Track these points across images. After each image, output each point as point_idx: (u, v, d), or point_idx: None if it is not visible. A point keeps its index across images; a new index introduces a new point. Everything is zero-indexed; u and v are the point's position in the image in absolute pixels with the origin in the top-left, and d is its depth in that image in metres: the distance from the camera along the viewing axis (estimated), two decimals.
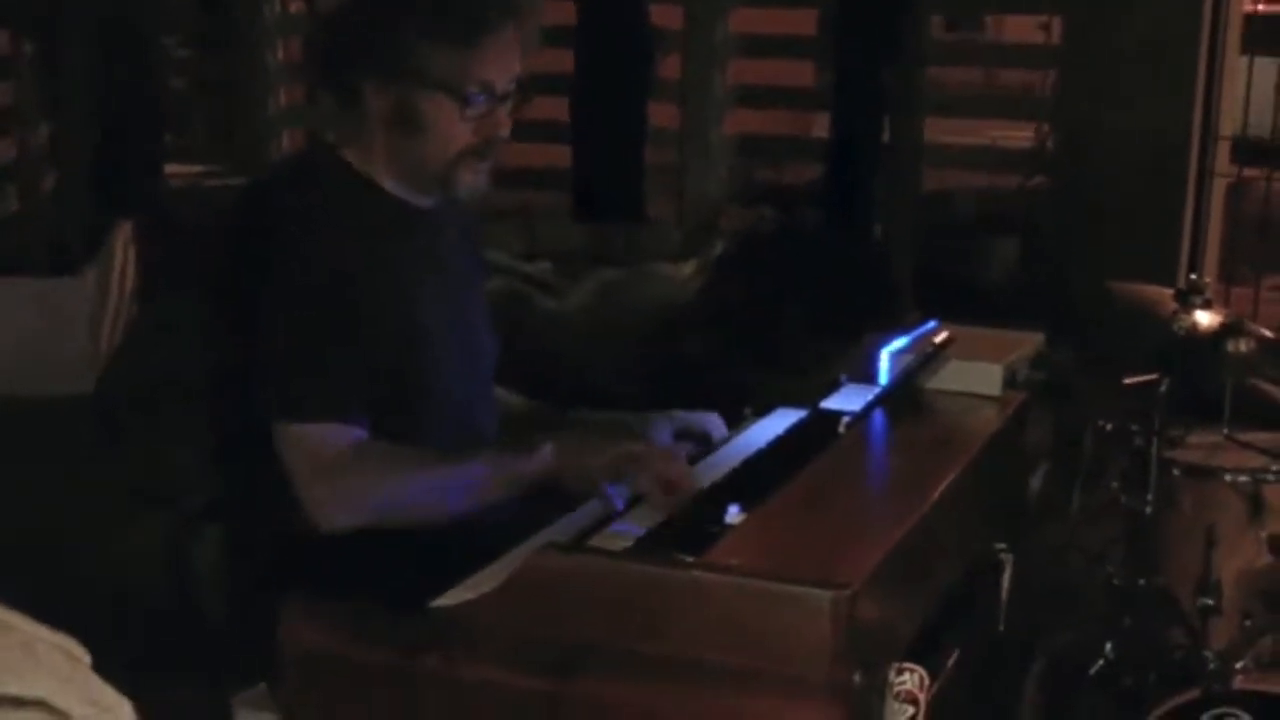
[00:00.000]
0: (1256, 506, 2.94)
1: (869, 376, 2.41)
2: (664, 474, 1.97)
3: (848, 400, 2.37)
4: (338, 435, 1.97)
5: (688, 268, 6.15)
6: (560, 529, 2.00)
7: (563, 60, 6.46)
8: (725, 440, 2.31)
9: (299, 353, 1.98)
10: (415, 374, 2.10)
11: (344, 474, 1.96)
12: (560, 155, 6.67)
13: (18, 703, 0.92)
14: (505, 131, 2.10)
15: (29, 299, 5.27)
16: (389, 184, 2.13)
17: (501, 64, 2.07)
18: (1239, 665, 2.82)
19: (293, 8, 8.01)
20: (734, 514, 1.86)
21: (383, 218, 2.11)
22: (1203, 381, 3.07)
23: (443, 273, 2.19)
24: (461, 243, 2.29)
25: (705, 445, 2.29)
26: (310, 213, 2.04)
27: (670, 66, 6.70)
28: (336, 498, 1.96)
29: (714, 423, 2.31)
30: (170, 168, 7.36)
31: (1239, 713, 2.64)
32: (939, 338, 2.42)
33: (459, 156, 2.08)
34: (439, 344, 2.14)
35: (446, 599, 1.83)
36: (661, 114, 6.69)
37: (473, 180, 2.11)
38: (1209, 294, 3.06)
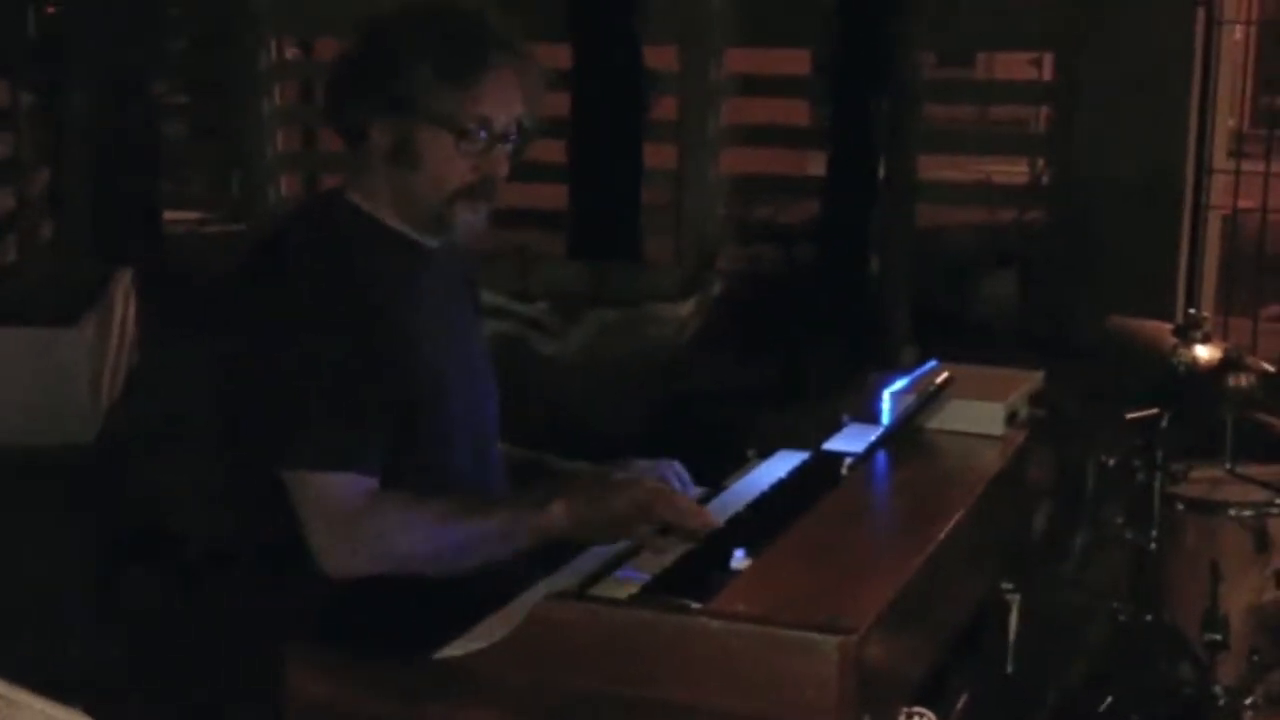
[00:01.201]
0: (1261, 541, 2.94)
1: (871, 417, 2.41)
2: (671, 517, 1.96)
3: (850, 441, 2.36)
4: (352, 485, 1.97)
5: (686, 307, 6.16)
6: (564, 576, 1.99)
7: (559, 102, 6.48)
8: (730, 483, 2.31)
9: (315, 400, 1.98)
10: (428, 416, 2.10)
11: (357, 525, 1.96)
12: (557, 196, 6.70)
13: None
14: (503, 171, 2.12)
15: (28, 349, 5.27)
16: (395, 224, 2.14)
17: (500, 102, 2.08)
18: (1248, 701, 2.82)
19: (289, 54, 8.06)
20: (739, 559, 1.86)
21: (392, 259, 2.12)
22: (1204, 416, 3.07)
23: (450, 313, 2.21)
24: (464, 287, 2.30)
25: None
26: (323, 258, 2.05)
27: (666, 107, 6.73)
28: (348, 549, 1.96)
29: (673, 470, 2.29)
30: (168, 214, 7.39)
31: None
32: (940, 378, 2.41)
33: (455, 194, 2.09)
34: (450, 385, 2.14)
35: (452, 649, 1.82)
36: (658, 154, 6.72)
37: (470, 220, 2.12)
38: (1208, 328, 3.07)
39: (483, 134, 2.08)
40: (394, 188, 2.11)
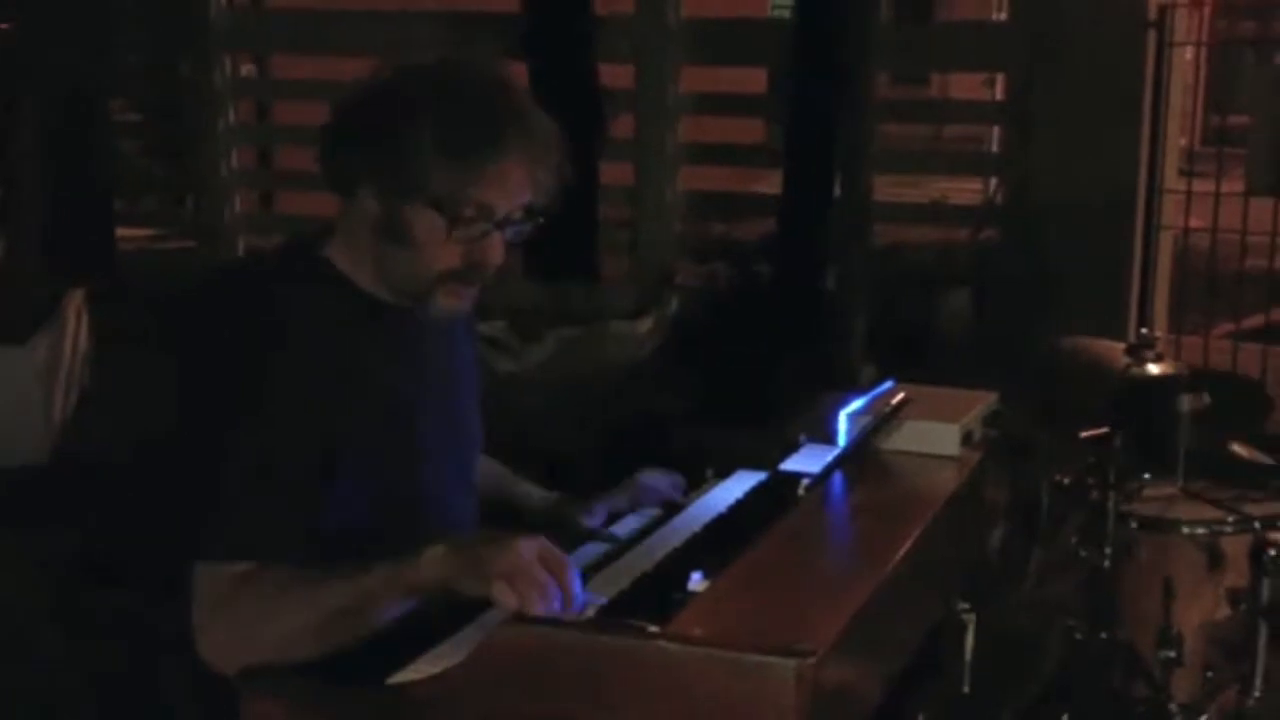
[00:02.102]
0: (1214, 558, 2.97)
1: (828, 437, 2.42)
2: (539, 578, 1.80)
3: (807, 461, 2.38)
4: (225, 571, 1.88)
5: (644, 325, 6.16)
6: None
7: None
8: (686, 503, 2.32)
9: (220, 493, 1.90)
10: (408, 478, 2.05)
11: (219, 611, 1.87)
12: None
13: None
14: (496, 259, 1.99)
15: None
16: (372, 289, 2.04)
17: (504, 191, 1.95)
18: (1203, 718, 2.84)
19: (244, 71, 8.02)
20: (696, 581, 1.86)
21: (366, 325, 2.03)
22: (1156, 435, 3.10)
23: (432, 365, 2.12)
24: (455, 332, 2.21)
25: (669, 508, 2.31)
26: (265, 339, 1.94)
27: (623, 125, 6.74)
28: (215, 637, 1.88)
29: (673, 484, 2.32)
30: (122, 232, 7.33)
31: None
32: (896, 398, 2.43)
33: (440, 277, 1.98)
34: (430, 446, 2.08)
35: (409, 674, 1.81)
36: (614, 172, 6.73)
37: (451, 304, 2.02)
38: (1159, 348, 3.10)
39: (479, 221, 1.94)
40: (377, 256, 2.00)
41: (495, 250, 1.98)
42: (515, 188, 1.96)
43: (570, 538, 2.21)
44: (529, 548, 1.80)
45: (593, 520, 2.30)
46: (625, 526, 2.29)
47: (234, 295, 2.04)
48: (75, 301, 5.78)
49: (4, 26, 6.80)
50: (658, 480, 2.37)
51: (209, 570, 1.89)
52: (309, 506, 1.92)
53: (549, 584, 1.77)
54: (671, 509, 2.32)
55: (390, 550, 1.91)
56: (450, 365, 2.19)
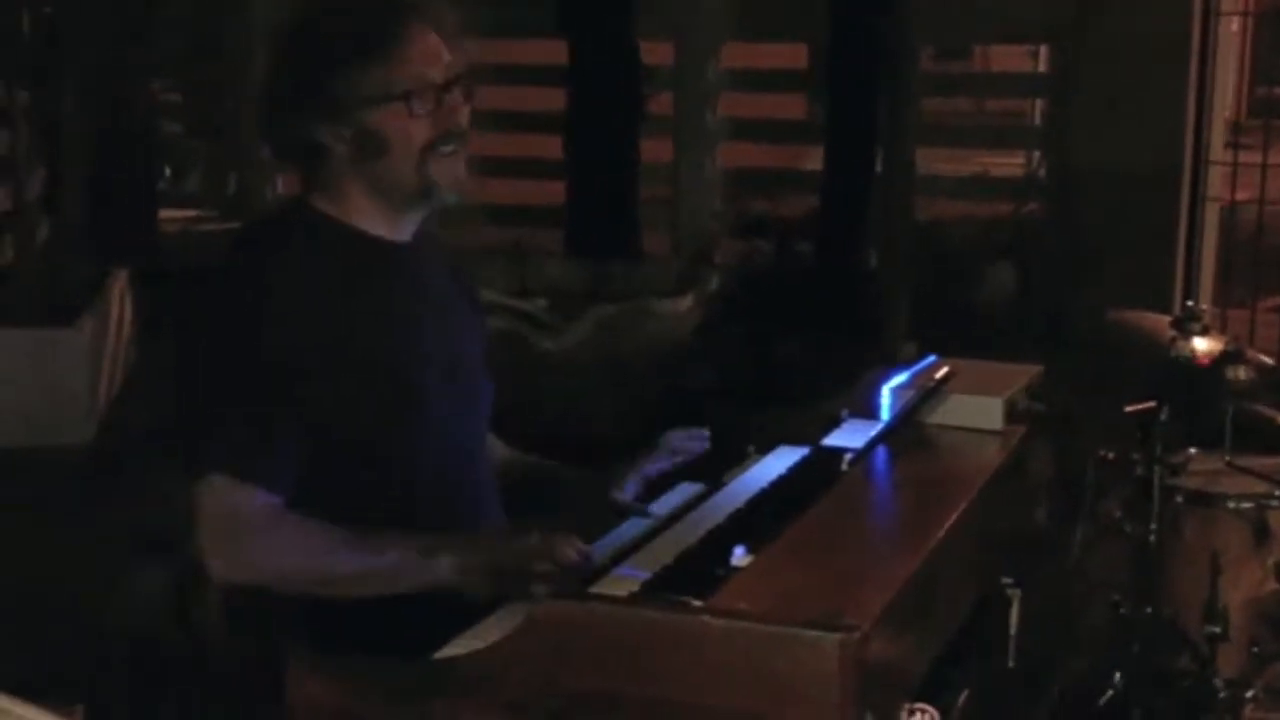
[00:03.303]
0: (1261, 533, 2.94)
1: (870, 412, 2.40)
2: (561, 559, 1.94)
3: (850, 437, 2.36)
4: (254, 499, 1.96)
5: (685, 302, 6.16)
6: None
7: (556, 98, 6.48)
8: (729, 479, 2.31)
9: (218, 408, 1.99)
10: (405, 408, 2.09)
11: (251, 541, 1.95)
12: (554, 192, 6.69)
13: None
14: (463, 119, 2.11)
15: (26, 350, 5.26)
16: (365, 224, 2.12)
17: (427, 57, 2.08)
18: (1249, 694, 2.82)
19: None
20: (740, 556, 1.86)
21: (361, 260, 2.11)
22: (1203, 408, 3.07)
23: (431, 309, 2.18)
24: (452, 284, 2.27)
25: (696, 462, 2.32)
26: (264, 274, 2.04)
27: (663, 102, 6.73)
28: (237, 562, 1.95)
29: (691, 442, 2.33)
30: (165, 213, 7.37)
31: None
32: (939, 372, 2.41)
33: (425, 153, 2.08)
34: (430, 378, 2.12)
35: (452, 649, 1.82)
36: (655, 149, 6.72)
37: (450, 170, 2.10)
38: (1206, 320, 3.07)
39: (426, 90, 2.06)
40: (368, 182, 2.10)
41: (458, 111, 2.10)
42: (434, 51, 2.09)
43: (603, 513, 2.24)
44: (526, 547, 1.94)
45: (624, 494, 2.31)
46: (665, 504, 2.28)
47: (235, 260, 2.12)
48: (120, 283, 5.83)
49: (46, 8, 6.85)
50: (683, 438, 2.36)
51: (212, 485, 1.95)
52: (304, 434, 2.00)
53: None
54: (713, 486, 2.31)
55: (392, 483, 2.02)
56: (449, 300, 2.25)
